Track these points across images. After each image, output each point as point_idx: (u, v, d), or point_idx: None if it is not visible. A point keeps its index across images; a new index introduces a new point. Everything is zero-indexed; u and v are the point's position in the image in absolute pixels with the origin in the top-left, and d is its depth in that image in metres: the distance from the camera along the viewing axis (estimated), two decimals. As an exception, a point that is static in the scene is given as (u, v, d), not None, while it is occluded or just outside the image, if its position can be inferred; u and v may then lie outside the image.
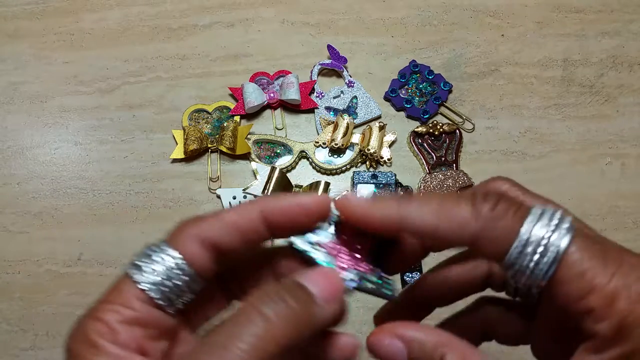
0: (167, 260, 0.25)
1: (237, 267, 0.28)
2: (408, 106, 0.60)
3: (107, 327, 0.24)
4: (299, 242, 0.27)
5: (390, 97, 0.61)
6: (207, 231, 0.25)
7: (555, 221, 0.23)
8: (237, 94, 0.60)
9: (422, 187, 0.58)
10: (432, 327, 0.27)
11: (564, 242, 0.22)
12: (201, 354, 0.21)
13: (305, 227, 0.27)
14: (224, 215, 0.25)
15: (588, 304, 0.21)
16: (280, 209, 0.26)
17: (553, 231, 0.22)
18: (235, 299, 0.29)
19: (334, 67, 0.61)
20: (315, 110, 0.61)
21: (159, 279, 0.24)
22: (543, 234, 0.22)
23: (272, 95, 0.60)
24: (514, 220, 0.23)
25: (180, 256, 0.25)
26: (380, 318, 0.30)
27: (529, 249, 0.22)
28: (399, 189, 0.58)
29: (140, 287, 0.24)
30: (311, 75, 0.62)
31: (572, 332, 0.23)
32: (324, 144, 0.58)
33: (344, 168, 0.58)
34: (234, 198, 0.57)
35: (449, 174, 0.58)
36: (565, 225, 0.23)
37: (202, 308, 0.27)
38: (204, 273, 0.25)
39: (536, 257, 0.22)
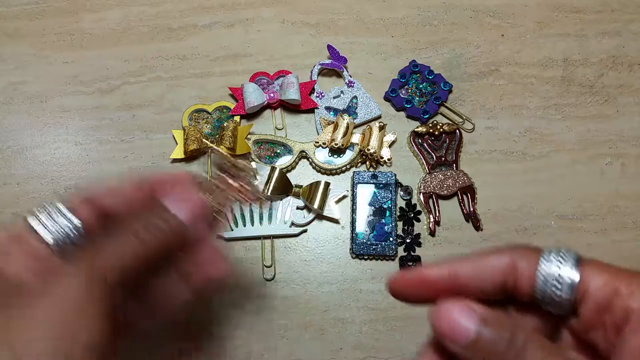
0: (64, 219, 0.31)
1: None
2: (408, 106, 0.60)
3: (12, 257, 0.30)
4: None
5: (390, 97, 0.61)
6: (101, 199, 0.32)
7: (562, 255, 0.27)
8: (237, 94, 0.60)
9: (422, 187, 0.58)
10: (508, 315, 0.29)
11: (573, 274, 0.26)
12: (92, 251, 0.28)
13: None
14: (116, 185, 0.33)
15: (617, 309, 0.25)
16: (163, 180, 0.34)
17: (563, 263, 0.27)
18: None
19: (334, 67, 0.61)
20: (315, 110, 0.61)
21: (56, 231, 0.30)
22: (555, 267, 0.26)
23: (272, 95, 0.60)
24: (531, 262, 0.27)
25: (74, 216, 0.31)
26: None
27: (549, 285, 0.26)
28: (399, 189, 0.58)
29: (42, 237, 0.30)
30: (311, 75, 0.62)
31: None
32: (324, 144, 0.58)
33: (344, 168, 0.58)
34: None
35: (449, 174, 0.58)
36: (572, 256, 0.27)
37: None
38: (91, 229, 0.31)
39: (556, 291, 0.26)
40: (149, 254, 0.30)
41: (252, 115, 0.61)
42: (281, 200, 0.57)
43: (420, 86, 0.61)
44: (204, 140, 0.56)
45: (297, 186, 0.57)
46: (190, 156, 0.59)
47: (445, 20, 0.64)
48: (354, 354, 0.53)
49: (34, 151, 0.60)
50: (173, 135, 0.59)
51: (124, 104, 0.61)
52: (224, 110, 0.60)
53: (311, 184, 0.56)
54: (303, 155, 0.59)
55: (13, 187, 0.59)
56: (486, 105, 0.61)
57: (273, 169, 0.56)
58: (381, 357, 0.53)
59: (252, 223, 0.56)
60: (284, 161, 0.59)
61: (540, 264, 0.27)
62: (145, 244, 0.30)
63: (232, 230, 0.56)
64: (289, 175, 0.58)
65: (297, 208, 0.57)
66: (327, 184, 0.56)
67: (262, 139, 0.59)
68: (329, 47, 0.61)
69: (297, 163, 0.59)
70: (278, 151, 0.59)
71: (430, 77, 0.61)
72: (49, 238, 0.30)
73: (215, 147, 0.55)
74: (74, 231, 0.30)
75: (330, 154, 0.59)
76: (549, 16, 0.65)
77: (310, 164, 0.59)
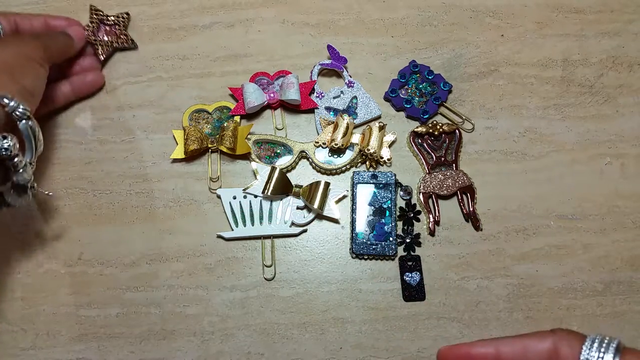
0: None
1: None
2: (408, 106, 0.60)
3: None
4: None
5: (390, 97, 0.61)
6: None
7: (605, 344, 0.29)
8: (237, 94, 0.60)
9: (421, 187, 0.58)
10: None
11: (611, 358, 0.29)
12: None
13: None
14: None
15: None
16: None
17: (604, 352, 0.28)
18: None
19: (334, 67, 0.61)
20: (315, 110, 0.61)
21: None
22: (597, 355, 0.28)
23: (272, 95, 0.60)
24: (574, 348, 0.29)
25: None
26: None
27: None
28: (399, 189, 0.58)
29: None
30: (311, 76, 0.62)
31: None
32: (324, 144, 0.58)
33: (344, 168, 0.58)
34: (234, 198, 0.57)
35: (448, 174, 0.58)
36: (614, 345, 0.29)
37: None
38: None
39: None
40: (57, 54, 0.54)
41: (252, 115, 0.61)
42: (281, 200, 0.57)
43: (420, 86, 0.61)
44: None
45: (297, 186, 0.57)
46: (191, 156, 0.59)
47: (445, 20, 0.64)
48: (354, 353, 0.53)
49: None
50: (173, 135, 0.59)
51: (124, 104, 0.61)
52: (224, 110, 0.60)
53: (311, 184, 0.56)
54: (303, 155, 0.59)
55: (13, 187, 0.59)
56: (486, 106, 0.61)
57: (273, 169, 0.56)
58: (381, 357, 0.53)
59: (252, 223, 0.56)
60: (284, 161, 0.59)
61: (583, 352, 0.29)
62: (56, 46, 0.54)
63: (233, 230, 0.56)
64: (289, 175, 0.59)
65: (297, 208, 0.57)
66: (327, 184, 0.56)
67: (262, 139, 0.59)
68: (329, 47, 0.61)
69: (297, 163, 0.59)
70: (278, 151, 0.59)
71: (430, 77, 0.61)
72: None
73: None
74: None
75: (330, 154, 0.59)
76: (548, 16, 0.65)
77: (310, 164, 0.59)
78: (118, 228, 0.57)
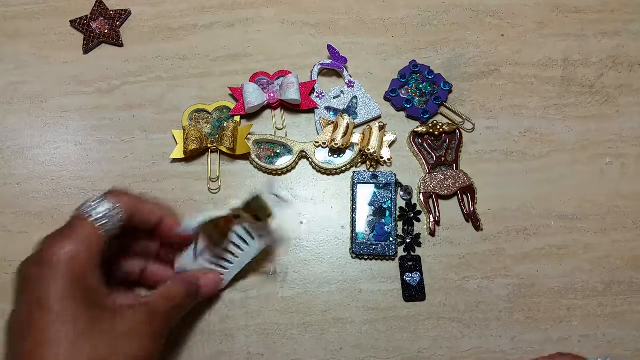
0: (108, 206, 0.41)
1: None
2: (408, 106, 0.60)
3: (68, 249, 0.37)
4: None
5: (390, 97, 0.61)
6: (132, 201, 0.44)
7: None
8: (237, 94, 0.60)
9: (422, 187, 0.58)
10: None
11: None
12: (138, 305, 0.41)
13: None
14: (154, 203, 0.47)
15: None
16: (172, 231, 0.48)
17: None
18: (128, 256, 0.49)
19: (334, 67, 0.61)
20: (315, 110, 0.61)
21: (103, 216, 0.41)
22: None
23: (272, 95, 0.60)
24: None
25: (117, 205, 0.42)
26: None
27: None
28: (399, 189, 0.58)
29: (92, 219, 0.40)
30: (311, 75, 0.62)
31: None
32: (324, 144, 0.58)
33: (344, 168, 0.58)
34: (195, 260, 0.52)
35: (449, 174, 0.58)
36: None
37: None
38: (126, 223, 0.43)
39: None
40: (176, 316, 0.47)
41: (252, 115, 0.61)
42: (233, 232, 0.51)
43: (420, 86, 0.61)
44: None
45: (235, 213, 0.49)
46: (190, 156, 0.59)
47: (445, 20, 0.64)
48: (354, 354, 0.53)
49: (34, 151, 0.60)
50: (173, 135, 0.59)
51: (124, 104, 0.61)
52: (224, 110, 0.60)
53: (248, 203, 0.47)
54: (303, 155, 0.59)
55: (13, 187, 0.58)
56: (486, 105, 0.61)
57: (201, 227, 0.48)
58: (381, 357, 0.53)
59: (230, 261, 0.52)
60: (284, 161, 0.59)
61: None
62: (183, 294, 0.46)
63: (223, 277, 0.53)
64: (288, 175, 0.58)
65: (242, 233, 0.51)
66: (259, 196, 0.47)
67: (262, 139, 0.59)
68: (329, 47, 0.61)
69: (297, 163, 0.59)
70: (278, 151, 0.59)
71: (430, 77, 0.61)
72: (101, 222, 0.41)
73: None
74: (117, 217, 0.42)
75: (330, 154, 0.59)
76: (549, 16, 0.65)
77: (310, 164, 0.59)
78: (118, 228, 0.57)
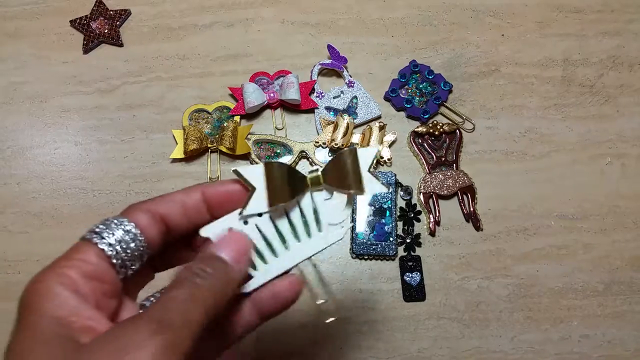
0: (123, 228, 0.29)
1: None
2: (408, 106, 0.60)
3: (68, 278, 0.27)
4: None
5: (390, 97, 0.61)
6: (157, 207, 0.30)
7: None
8: (237, 94, 0.60)
9: (422, 187, 0.58)
10: None
11: None
12: (153, 311, 0.26)
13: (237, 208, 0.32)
14: (172, 194, 0.31)
15: None
16: (217, 192, 0.32)
17: None
18: (157, 271, 0.34)
19: (334, 67, 0.61)
20: (315, 110, 0.61)
21: (116, 242, 0.29)
22: None
23: (272, 95, 0.60)
24: None
25: (133, 224, 0.29)
26: None
27: None
28: (399, 189, 0.58)
29: (100, 246, 0.28)
30: (311, 75, 0.62)
31: None
32: (324, 144, 0.58)
33: (344, 168, 0.58)
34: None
35: (449, 174, 0.58)
36: None
37: (136, 277, 0.31)
38: (151, 245, 0.30)
39: None
40: (215, 311, 0.28)
41: (252, 115, 0.61)
42: (298, 204, 0.34)
43: (420, 86, 0.61)
44: None
45: (311, 174, 0.34)
46: (190, 156, 0.59)
47: (445, 20, 0.64)
48: (354, 354, 0.53)
49: (34, 151, 0.60)
50: (173, 135, 0.59)
51: (124, 104, 0.61)
52: (224, 110, 0.60)
53: (331, 161, 0.34)
54: (303, 155, 0.59)
55: (13, 187, 0.58)
56: (486, 105, 0.61)
57: (269, 166, 0.33)
58: (381, 357, 0.53)
59: (275, 254, 0.33)
60: (283, 161, 0.59)
61: None
62: (205, 299, 0.27)
63: (252, 276, 0.33)
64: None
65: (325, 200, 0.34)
66: (353, 151, 0.34)
67: (262, 139, 0.59)
68: (329, 47, 0.61)
69: (297, 163, 0.59)
70: (278, 151, 0.59)
71: (430, 77, 0.61)
72: (111, 254, 0.28)
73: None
74: (137, 244, 0.29)
75: (330, 154, 0.59)
76: (549, 16, 0.65)
77: (310, 164, 0.59)
78: (118, 228, 0.57)
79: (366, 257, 0.56)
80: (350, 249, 0.56)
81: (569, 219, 0.57)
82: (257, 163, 0.58)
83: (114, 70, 0.63)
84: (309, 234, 0.34)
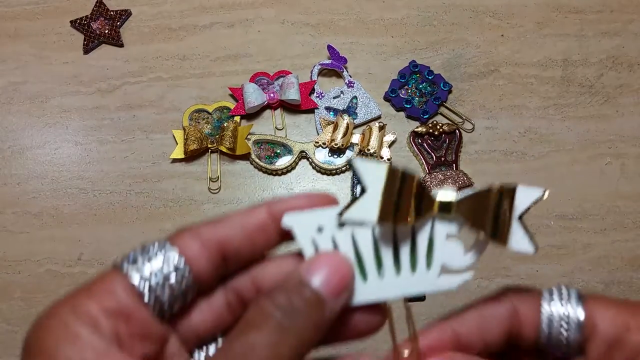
0: (163, 256, 0.22)
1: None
2: (408, 106, 0.60)
3: (87, 315, 0.21)
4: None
5: (390, 97, 0.61)
6: (212, 231, 0.23)
7: (564, 294, 0.26)
8: (237, 94, 0.60)
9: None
10: None
11: (579, 311, 0.24)
12: None
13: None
14: (230, 215, 0.24)
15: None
16: (289, 208, 0.24)
17: (567, 302, 0.25)
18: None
19: (334, 67, 0.61)
20: (315, 110, 0.61)
21: (151, 274, 0.21)
22: (560, 307, 0.25)
23: (272, 95, 0.60)
24: (532, 305, 0.26)
25: (177, 252, 0.22)
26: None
27: (555, 326, 0.25)
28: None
29: (130, 280, 0.21)
30: (311, 76, 0.62)
31: None
32: (324, 144, 0.58)
33: (344, 168, 0.58)
34: (320, 231, 0.25)
35: (448, 174, 0.58)
36: (574, 294, 0.26)
37: (189, 314, 0.24)
38: (201, 279, 0.23)
39: (563, 331, 0.24)
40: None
41: (252, 115, 0.61)
42: (414, 227, 0.26)
43: (420, 86, 0.61)
44: None
45: (442, 196, 0.26)
46: (191, 156, 0.59)
47: (445, 20, 0.64)
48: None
49: (34, 151, 0.60)
50: (173, 135, 0.59)
51: (124, 104, 0.61)
52: (224, 111, 0.60)
53: (474, 195, 0.26)
54: (303, 155, 0.59)
55: (13, 187, 0.59)
56: (486, 106, 0.61)
57: (392, 172, 0.24)
58: (381, 357, 0.53)
59: (381, 274, 0.27)
60: (283, 161, 0.59)
61: (542, 306, 0.26)
62: (291, 338, 0.22)
63: (358, 288, 0.27)
64: (288, 175, 0.58)
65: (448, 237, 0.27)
66: (506, 191, 0.26)
67: (262, 139, 0.59)
68: (329, 47, 0.61)
69: (297, 163, 0.59)
70: (278, 151, 0.59)
71: (430, 77, 0.61)
72: (143, 289, 0.21)
73: None
74: (180, 279, 0.22)
75: (330, 154, 0.59)
76: (548, 16, 0.65)
77: (310, 164, 0.59)
78: (118, 228, 0.57)
79: (366, 257, 0.56)
80: (350, 249, 0.56)
81: (569, 219, 0.57)
82: (257, 163, 0.58)
83: (114, 71, 0.63)
84: (413, 267, 0.27)
